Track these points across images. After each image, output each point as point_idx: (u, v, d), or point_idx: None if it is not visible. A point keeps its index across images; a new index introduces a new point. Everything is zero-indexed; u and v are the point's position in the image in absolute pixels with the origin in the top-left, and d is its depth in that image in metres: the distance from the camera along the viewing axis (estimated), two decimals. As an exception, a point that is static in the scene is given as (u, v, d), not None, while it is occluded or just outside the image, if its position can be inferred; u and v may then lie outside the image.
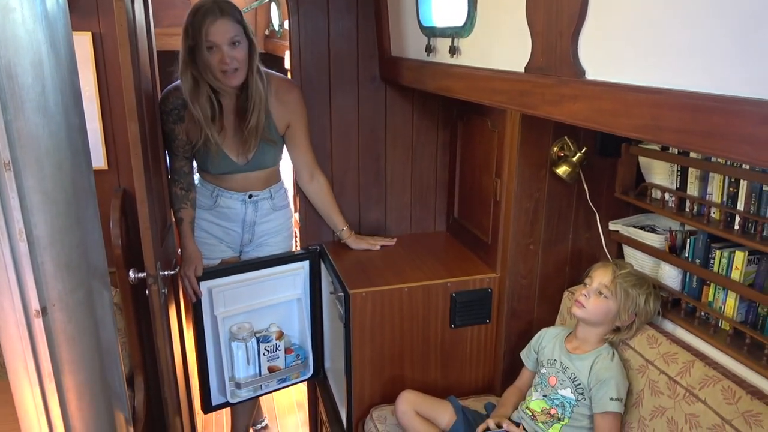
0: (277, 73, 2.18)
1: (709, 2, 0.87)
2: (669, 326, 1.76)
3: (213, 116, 2.00)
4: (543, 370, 1.79)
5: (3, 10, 0.86)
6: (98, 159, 2.10)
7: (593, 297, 1.70)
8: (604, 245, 2.00)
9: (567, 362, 1.74)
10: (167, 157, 2.13)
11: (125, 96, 1.55)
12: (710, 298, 1.68)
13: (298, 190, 2.38)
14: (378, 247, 2.33)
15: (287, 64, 2.69)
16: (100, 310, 1.17)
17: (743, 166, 1.48)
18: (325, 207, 2.32)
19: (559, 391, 1.72)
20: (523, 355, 1.91)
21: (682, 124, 0.94)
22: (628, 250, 1.99)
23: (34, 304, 0.99)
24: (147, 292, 1.74)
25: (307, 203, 2.38)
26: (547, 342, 1.84)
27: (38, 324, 1.00)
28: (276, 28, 3.66)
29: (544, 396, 1.75)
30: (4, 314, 1.00)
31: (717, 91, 0.87)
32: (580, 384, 1.69)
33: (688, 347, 1.63)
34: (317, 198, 2.31)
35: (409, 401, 1.89)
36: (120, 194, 2.07)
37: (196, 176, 2.23)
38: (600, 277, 1.72)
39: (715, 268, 1.64)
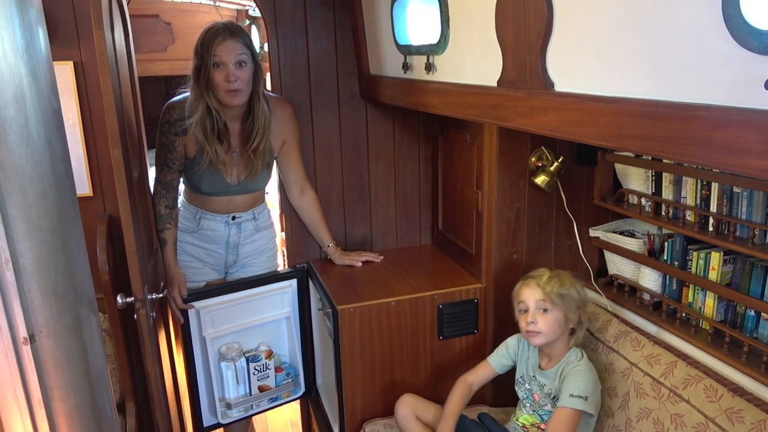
0: (270, 93, 2.22)
1: (661, 14, 0.92)
2: (652, 328, 1.79)
3: (216, 135, 2.03)
4: (527, 386, 1.79)
5: (-16, 46, 0.89)
6: (83, 186, 2.11)
7: (539, 317, 1.68)
8: (581, 252, 2.03)
9: (542, 379, 1.75)
10: (157, 171, 2.13)
11: (108, 123, 1.57)
12: (690, 299, 1.72)
13: (286, 208, 2.40)
14: (359, 264, 2.35)
15: (268, 85, 2.72)
16: (88, 336, 1.18)
17: (713, 169, 1.53)
18: (314, 222, 2.35)
19: (543, 407, 1.74)
20: (500, 355, 1.86)
21: (643, 130, 0.98)
22: (608, 255, 2.03)
23: (22, 332, 1.00)
24: (135, 316, 1.75)
25: (294, 221, 2.40)
26: (522, 354, 1.82)
27: (26, 351, 1.01)
28: (257, 50, 3.70)
29: (534, 411, 1.76)
30: (-9, 343, 1.01)
31: (674, 99, 0.92)
32: (555, 397, 1.70)
33: (670, 348, 1.67)
34: (306, 213, 2.34)
35: (409, 404, 1.90)
36: (106, 220, 2.07)
37: (180, 197, 2.24)
38: (530, 295, 1.70)
39: (693, 270, 1.68)
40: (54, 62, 1.12)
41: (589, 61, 1.11)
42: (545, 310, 1.68)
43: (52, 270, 1.03)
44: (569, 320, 1.70)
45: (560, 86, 1.20)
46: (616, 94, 1.03)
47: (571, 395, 1.61)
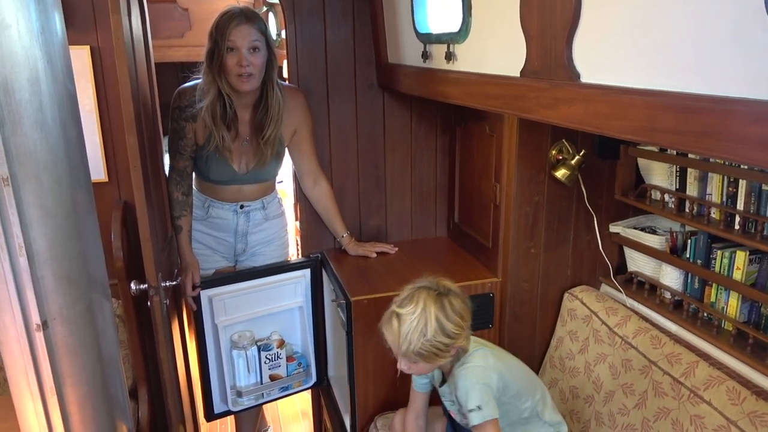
0: (282, 82, 2.20)
1: (697, 2, 0.88)
2: (672, 327, 1.75)
3: (225, 121, 2.02)
4: (443, 399, 1.70)
5: (-1, 27, 0.87)
6: (98, 172, 2.10)
7: (410, 367, 1.53)
8: (600, 247, 2.00)
9: (446, 394, 1.64)
10: (170, 158, 2.12)
11: (123, 109, 1.56)
12: (712, 299, 1.68)
13: (300, 197, 2.38)
14: (374, 255, 2.33)
15: (285, 73, 2.70)
16: (101, 322, 1.18)
17: (742, 165, 1.48)
18: (327, 212, 2.33)
19: (456, 416, 1.64)
20: (415, 377, 1.74)
21: (675, 125, 0.94)
22: (628, 252, 1.99)
23: (35, 318, 0.99)
24: (149, 303, 1.74)
25: (309, 211, 2.38)
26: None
27: (39, 338, 1.00)
28: (273, 37, 3.68)
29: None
30: (5, 329, 1.00)
31: (709, 92, 0.88)
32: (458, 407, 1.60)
33: (692, 348, 1.63)
34: (319, 203, 2.32)
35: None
36: (121, 206, 2.07)
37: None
38: (393, 347, 1.52)
39: (717, 269, 1.64)
40: (71, 47, 1.11)
41: (618, 51, 1.07)
42: (414, 363, 1.51)
43: (66, 256, 1.03)
44: (444, 357, 1.50)
45: (587, 77, 1.16)
46: (646, 86, 0.99)
47: (470, 411, 1.48)
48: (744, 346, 1.54)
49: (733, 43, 0.83)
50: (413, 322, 1.45)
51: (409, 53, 2.01)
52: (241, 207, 2.20)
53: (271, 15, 3.69)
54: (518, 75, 1.36)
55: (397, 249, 2.37)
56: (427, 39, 1.84)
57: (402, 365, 1.54)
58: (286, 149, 2.23)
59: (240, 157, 2.12)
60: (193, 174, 2.19)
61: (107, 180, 2.14)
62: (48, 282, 1.00)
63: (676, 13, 0.92)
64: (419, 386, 1.75)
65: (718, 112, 0.86)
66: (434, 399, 1.94)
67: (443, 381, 1.67)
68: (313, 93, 2.29)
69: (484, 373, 1.52)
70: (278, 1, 2.32)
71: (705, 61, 0.89)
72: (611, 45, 1.09)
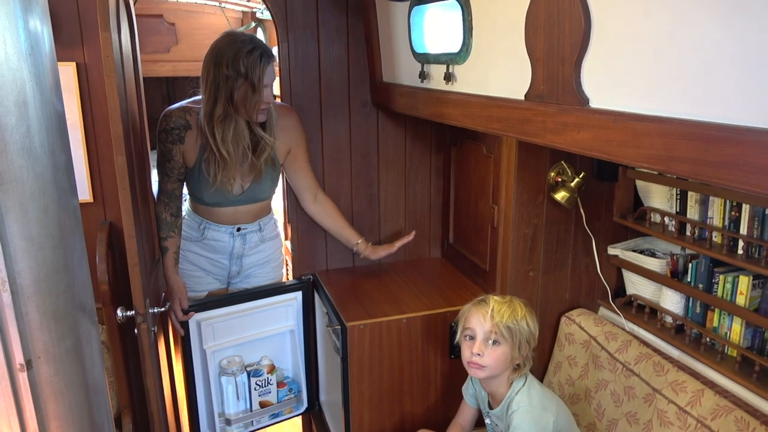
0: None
1: (720, 29, 0.85)
2: (675, 352, 1.72)
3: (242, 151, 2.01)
4: (487, 421, 1.70)
5: (-16, 48, 0.82)
6: (83, 192, 2.03)
7: (487, 350, 1.54)
8: (599, 270, 1.97)
9: (494, 419, 1.64)
10: (159, 179, 2.06)
11: (112, 128, 1.50)
12: (715, 324, 1.65)
13: (291, 216, 2.33)
14: (395, 249, 2.26)
15: (276, 90, 2.65)
16: (89, 356, 1.11)
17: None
18: (336, 224, 2.26)
19: None
20: (467, 390, 1.77)
21: (694, 154, 0.91)
22: (627, 275, 1.96)
23: (18, 358, 0.93)
24: (136, 331, 1.67)
25: (300, 232, 2.33)
26: (476, 388, 1.72)
27: (23, 378, 0.94)
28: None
29: None
30: (-15, 369, 0.93)
31: (731, 122, 0.85)
32: None
33: (696, 375, 1.60)
34: (325, 218, 2.26)
35: None
36: (106, 228, 2.00)
37: (185, 204, 2.17)
38: (479, 324, 1.55)
39: (719, 293, 1.62)
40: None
41: (632, 77, 1.04)
42: (495, 342, 1.54)
43: (53, 290, 0.96)
44: (516, 356, 1.55)
45: (596, 102, 1.14)
46: (663, 114, 0.97)
47: None
48: (749, 373, 1.51)
49: (758, 72, 0.80)
50: (504, 305, 1.57)
51: (405, 72, 1.98)
52: (238, 230, 2.14)
53: (260, 30, 3.65)
54: (522, 98, 1.33)
55: (414, 233, 2.29)
56: (424, 59, 1.81)
57: (479, 348, 1.55)
58: (284, 169, 2.18)
59: (235, 178, 2.06)
60: (186, 195, 2.13)
61: (92, 200, 2.06)
62: (33, 318, 0.93)
63: (694, 39, 0.90)
64: (468, 398, 1.76)
65: (741, 143, 0.83)
66: (444, 425, 1.89)
67: (490, 406, 1.65)
68: (307, 111, 2.24)
69: (542, 416, 1.52)
70: (271, 18, 2.27)
71: (727, 89, 0.86)
72: (624, 70, 1.06)
